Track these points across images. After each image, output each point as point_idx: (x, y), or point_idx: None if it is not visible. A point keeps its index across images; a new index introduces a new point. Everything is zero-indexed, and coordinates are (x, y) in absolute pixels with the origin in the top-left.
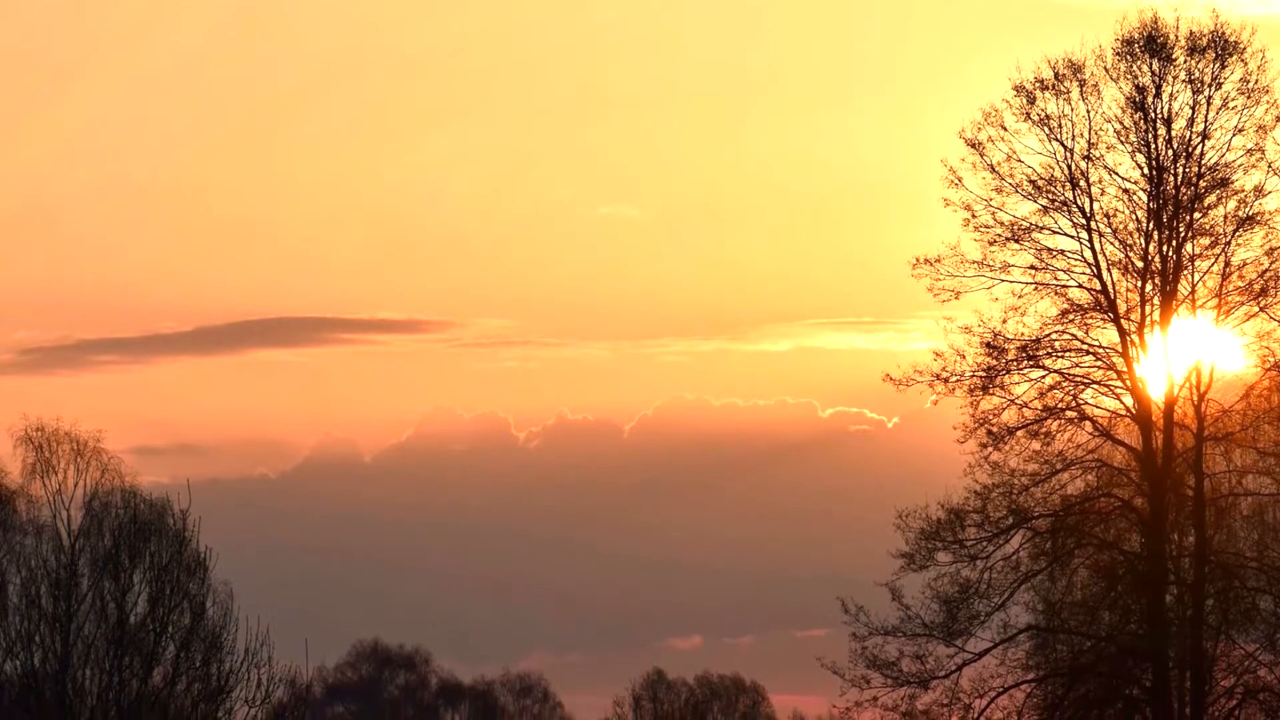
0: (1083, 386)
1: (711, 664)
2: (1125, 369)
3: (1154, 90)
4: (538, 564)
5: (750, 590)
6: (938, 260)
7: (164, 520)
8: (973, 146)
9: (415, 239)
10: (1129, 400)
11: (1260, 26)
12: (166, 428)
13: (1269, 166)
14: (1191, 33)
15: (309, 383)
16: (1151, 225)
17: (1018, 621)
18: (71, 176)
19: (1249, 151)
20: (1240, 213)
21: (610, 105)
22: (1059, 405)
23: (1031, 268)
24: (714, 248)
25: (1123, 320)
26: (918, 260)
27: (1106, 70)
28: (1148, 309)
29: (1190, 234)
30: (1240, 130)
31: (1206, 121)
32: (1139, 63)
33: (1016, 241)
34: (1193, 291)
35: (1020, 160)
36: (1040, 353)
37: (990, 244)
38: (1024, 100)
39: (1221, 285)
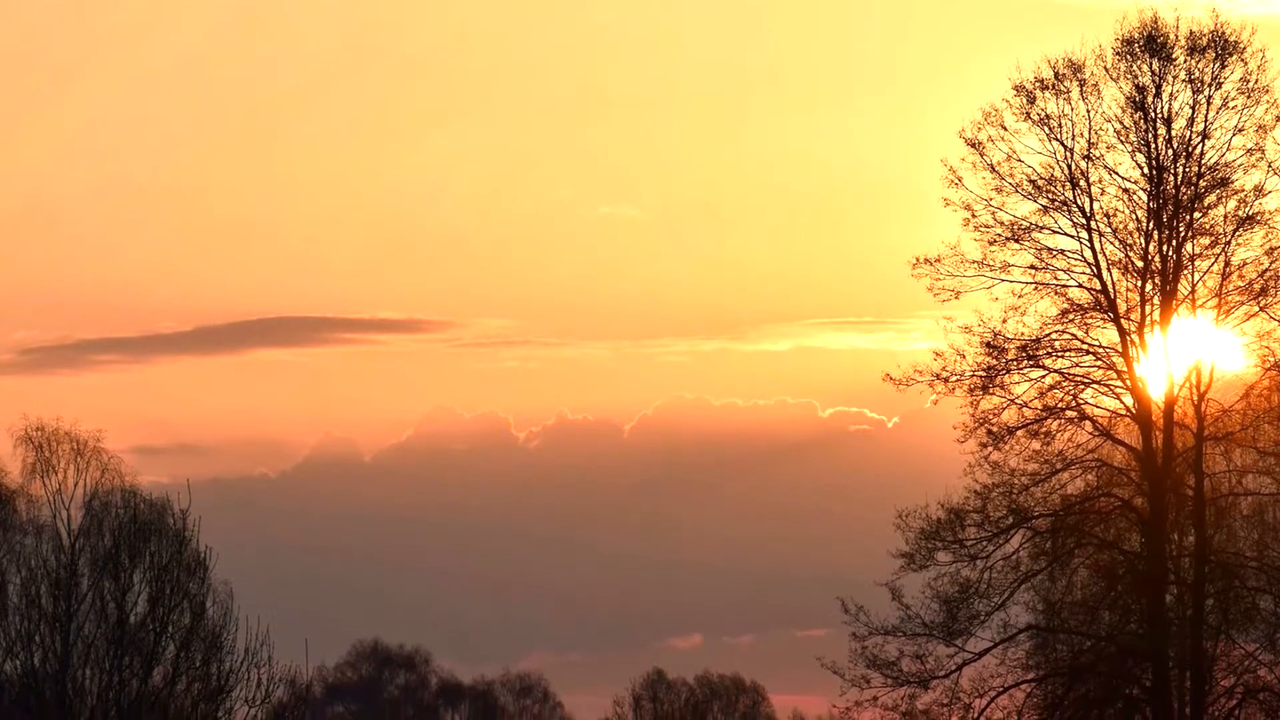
0: (1083, 386)
1: (711, 664)
2: (1125, 369)
3: (1154, 90)
4: (538, 564)
5: (750, 590)
6: (938, 260)
7: (164, 520)
8: (973, 146)
9: (415, 239)
10: (1129, 400)
11: (1260, 26)
12: (166, 428)
13: (1269, 166)
14: (1191, 32)
15: (309, 383)
16: (1151, 225)
17: (1018, 621)
18: (71, 176)
19: (1249, 151)
20: (1240, 212)
21: (610, 105)
22: (1059, 405)
23: (1031, 267)
24: (714, 248)
25: (1123, 320)
26: (918, 260)
27: (1106, 70)
28: (1148, 309)
29: (1190, 234)
30: (1240, 130)
31: (1206, 121)
32: (1139, 62)
33: (1016, 241)
34: (1193, 291)
35: (1020, 160)
36: (1040, 352)
37: (990, 244)
38: (1024, 100)
39: (1221, 285)
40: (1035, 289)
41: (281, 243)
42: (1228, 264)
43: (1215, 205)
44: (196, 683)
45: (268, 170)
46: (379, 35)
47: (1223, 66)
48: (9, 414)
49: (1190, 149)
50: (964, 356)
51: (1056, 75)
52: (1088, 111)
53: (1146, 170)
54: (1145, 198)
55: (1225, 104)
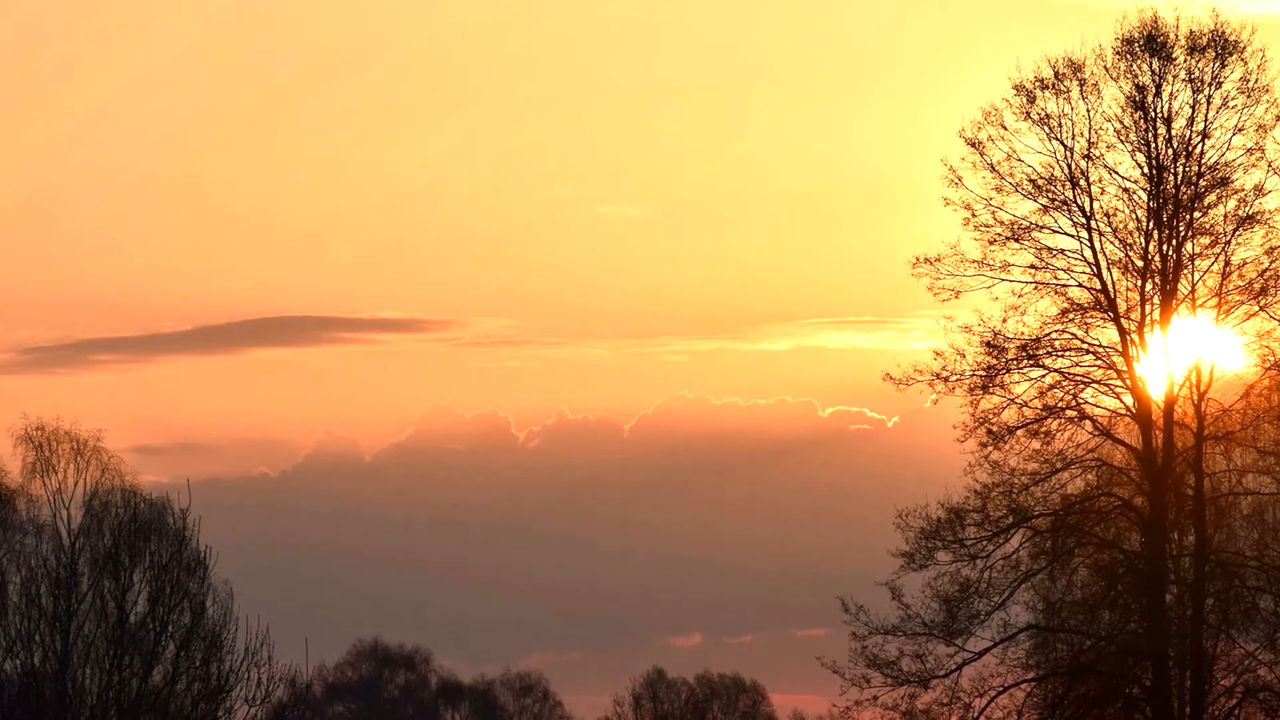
0: (1083, 386)
1: (711, 663)
2: (1125, 368)
3: (1154, 89)
4: (538, 564)
5: (750, 590)
6: (938, 259)
7: (164, 519)
8: (973, 146)
9: (415, 238)
10: (1129, 399)
11: (1260, 26)
12: (166, 427)
13: (1269, 166)
14: (1191, 32)
15: (309, 382)
16: (1151, 224)
17: (1018, 621)
18: (71, 175)
19: (1249, 151)
20: (1240, 212)
21: (610, 104)
22: (1059, 404)
23: (1031, 267)
24: (714, 248)
25: (1123, 319)
26: (918, 260)
27: (1106, 69)
28: (1148, 308)
29: (1190, 233)
30: (1240, 129)
31: (1206, 121)
32: (1139, 62)
33: (1016, 241)
34: (1193, 291)
35: (1020, 159)
36: (1040, 352)
37: (990, 243)
38: (1024, 99)
39: (1221, 284)
40: (1035, 288)
41: (281, 242)
42: (1228, 263)
43: (1215, 205)
44: (196, 682)
45: (268, 169)
46: (378, 33)
47: (1223, 66)
48: (9, 414)
49: (1190, 148)
50: (964, 356)
51: (1056, 75)
52: (1088, 111)
53: (1146, 170)
54: (1145, 197)
55: (1225, 103)
